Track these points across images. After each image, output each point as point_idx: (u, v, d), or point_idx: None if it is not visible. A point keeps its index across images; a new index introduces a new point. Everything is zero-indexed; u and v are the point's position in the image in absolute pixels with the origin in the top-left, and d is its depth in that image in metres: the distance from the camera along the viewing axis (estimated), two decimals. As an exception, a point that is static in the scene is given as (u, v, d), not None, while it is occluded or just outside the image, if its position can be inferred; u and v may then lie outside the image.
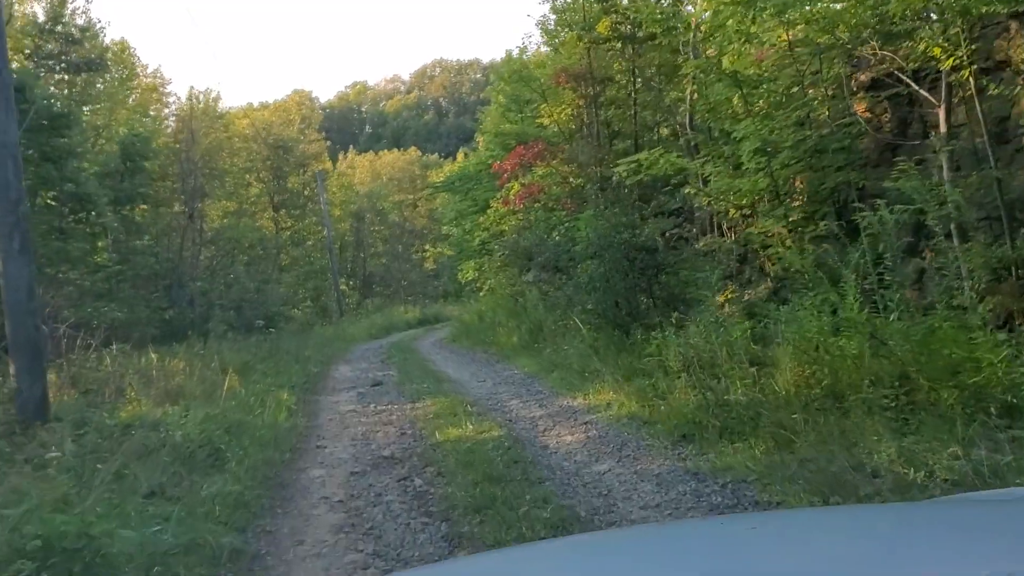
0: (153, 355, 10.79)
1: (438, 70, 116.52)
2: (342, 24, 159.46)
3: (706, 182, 13.94)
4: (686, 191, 14.12)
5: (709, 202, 13.22)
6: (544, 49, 20.95)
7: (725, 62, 10.31)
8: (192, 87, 63.37)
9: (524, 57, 20.70)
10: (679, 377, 7.32)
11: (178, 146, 24.43)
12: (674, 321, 8.45)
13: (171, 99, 31.31)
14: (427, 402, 9.39)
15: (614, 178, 11.03)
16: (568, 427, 7.17)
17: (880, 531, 1.59)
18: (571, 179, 17.06)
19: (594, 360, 9.41)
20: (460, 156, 49.55)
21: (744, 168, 12.41)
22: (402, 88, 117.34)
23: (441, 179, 28.31)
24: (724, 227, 14.80)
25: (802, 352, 6.58)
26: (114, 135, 24.00)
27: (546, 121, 17.54)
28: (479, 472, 5.56)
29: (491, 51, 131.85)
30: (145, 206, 23.20)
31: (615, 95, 17.12)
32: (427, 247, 45.96)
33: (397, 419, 8.54)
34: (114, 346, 9.86)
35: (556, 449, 6.42)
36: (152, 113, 29.82)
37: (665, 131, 17.49)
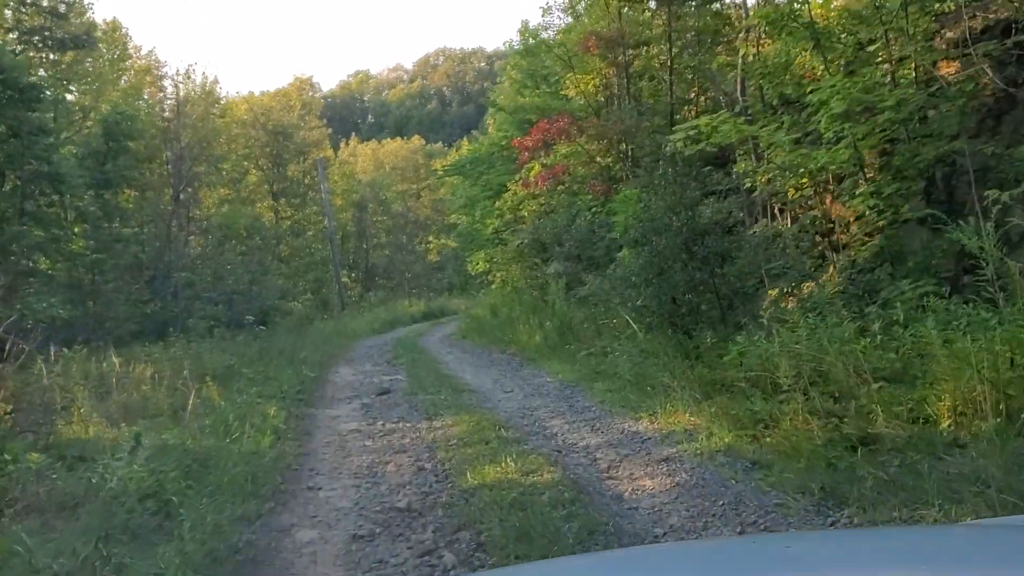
0: (115, 359, 8.99)
1: (441, 59, 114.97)
2: (344, 13, 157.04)
3: (759, 157, 12.20)
4: (737, 168, 12.34)
5: (769, 180, 11.45)
6: (565, 20, 19.06)
7: (813, 3, 8.47)
8: (182, 60, 61.10)
9: (546, 19, 18.77)
10: (785, 398, 5.53)
11: (166, 124, 22.63)
12: (765, 321, 6.64)
13: (166, 82, 29.58)
14: (446, 419, 7.61)
15: (667, 147, 9.23)
16: (643, 465, 5.37)
17: (916, 556, 1.52)
18: (599, 158, 15.26)
19: (653, 369, 7.62)
20: (465, 144, 47.80)
21: (819, 138, 10.65)
22: (405, 77, 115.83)
23: (450, 163, 26.45)
24: (776, 210, 13.07)
25: (968, 365, 4.78)
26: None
27: (571, 92, 15.67)
28: (541, 551, 3.77)
29: (495, 39, 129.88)
30: (130, 190, 21.50)
31: (648, 63, 15.31)
32: (431, 238, 44.79)
33: (411, 444, 6.76)
34: (52, 348, 8.03)
35: (636, 503, 4.63)
36: (146, 96, 28.11)
37: (703, 103, 15.67)
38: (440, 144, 69.04)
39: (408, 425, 7.62)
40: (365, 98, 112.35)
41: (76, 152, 19.36)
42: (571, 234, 13.24)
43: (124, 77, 27.52)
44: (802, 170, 10.92)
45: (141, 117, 22.12)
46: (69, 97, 22.84)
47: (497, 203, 18.48)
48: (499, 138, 21.16)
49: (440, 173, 26.61)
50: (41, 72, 20.91)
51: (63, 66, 23.04)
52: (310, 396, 9.89)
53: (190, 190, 22.49)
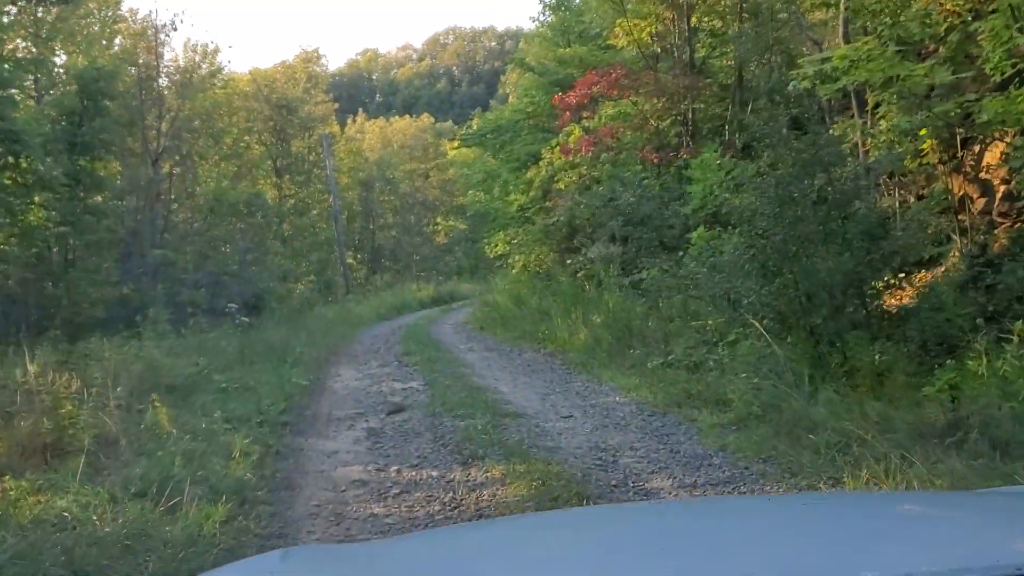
0: (31, 365, 6.55)
1: (451, 38, 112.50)
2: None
3: (865, 113, 9.80)
4: (837, 129, 9.90)
5: (894, 141, 9.05)
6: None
7: None
8: (167, 10, 57.26)
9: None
10: None
11: (152, 84, 20.21)
12: (1015, 336, 4.20)
13: (165, 50, 27.14)
14: (490, 468, 5.20)
15: (792, 87, 6.79)
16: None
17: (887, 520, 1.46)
18: (653, 121, 12.76)
19: (795, 400, 5.17)
20: (476, 120, 45.26)
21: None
22: (414, 56, 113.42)
23: (467, 132, 23.91)
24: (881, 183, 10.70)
25: None
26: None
27: (621, 42, 13.12)
28: None
29: (506, 18, 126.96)
30: (110, 158, 19.14)
31: (713, 8, 12.78)
32: (439, 220, 42.78)
33: (444, 518, 4.35)
34: None
35: None
36: (141, 63, 25.71)
37: (774, 61, 13.15)
38: (450, 123, 66.59)
39: (435, 475, 5.21)
40: (373, 77, 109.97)
41: (48, 112, 17.10)
42: (636, 208, 10.66)
43: (117, 39, 25.23)
44: (925, 131, 8.55)
45: (125, 79, 19.78)
46: (57, 60, 20.56)
47: (529, 173, 15.98)
48: (524, 104, 18.66)
49: (456, 144, 24.07)
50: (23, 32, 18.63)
51: (46, 25, 20.70)
52: (300, 414, 7.48)
53: (177, 157, 20.13)
